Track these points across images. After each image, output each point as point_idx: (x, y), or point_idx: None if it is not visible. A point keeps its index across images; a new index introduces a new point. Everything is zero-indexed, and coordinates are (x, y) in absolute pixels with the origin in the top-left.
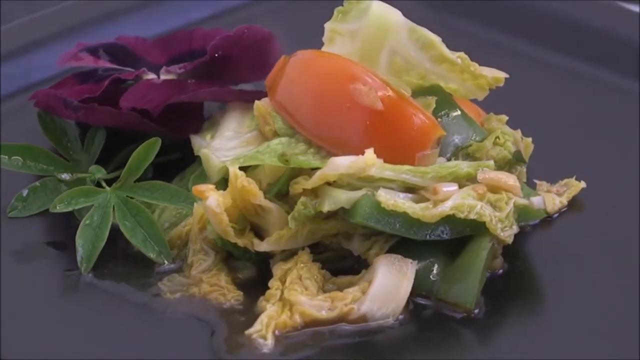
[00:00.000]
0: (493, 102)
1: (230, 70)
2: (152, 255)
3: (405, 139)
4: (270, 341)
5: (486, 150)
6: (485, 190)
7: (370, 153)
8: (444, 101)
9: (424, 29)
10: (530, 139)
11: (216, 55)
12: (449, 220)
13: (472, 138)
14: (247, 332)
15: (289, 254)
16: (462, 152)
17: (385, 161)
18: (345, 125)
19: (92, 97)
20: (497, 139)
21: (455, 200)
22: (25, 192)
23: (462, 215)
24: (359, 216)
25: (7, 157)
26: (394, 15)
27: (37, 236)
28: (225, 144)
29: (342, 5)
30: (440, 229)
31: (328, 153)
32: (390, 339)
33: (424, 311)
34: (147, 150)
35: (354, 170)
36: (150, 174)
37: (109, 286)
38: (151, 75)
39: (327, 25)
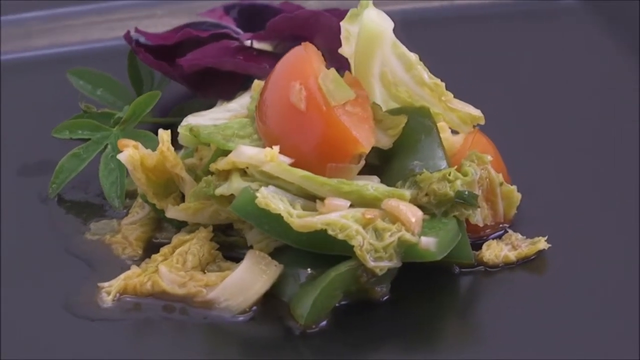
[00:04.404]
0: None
1: None
2: (111, 196)
3: (320, 146)
4: (110, 298)
5: (429, 183)
6: (375, 216)
7: (271, 149)
8: (422, 124)
9: (403, 46)
10: (514, 188)
11: (284, 33)
12: (321, 235)
13: (428, 168)
14: (99, 284)
15: (198, 228)
16: (412, 179)
17: (299, 164)
18: (275, 119)
19: (165, 44)
20: (448, 175)
21: (331, 216)
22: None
23: (332, 233)
24: (234, 206)
25: (90, 85)
26: (383, 27)
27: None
28: (214, 114)
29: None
30: (314, 241)
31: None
32: (222, 330)
33: (273, 315)
34: (147, 101)
35: (254, 162)
36: None
37: (58, 213)
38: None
39: (342, 24)
